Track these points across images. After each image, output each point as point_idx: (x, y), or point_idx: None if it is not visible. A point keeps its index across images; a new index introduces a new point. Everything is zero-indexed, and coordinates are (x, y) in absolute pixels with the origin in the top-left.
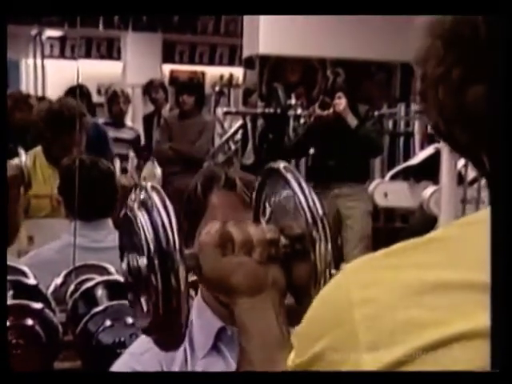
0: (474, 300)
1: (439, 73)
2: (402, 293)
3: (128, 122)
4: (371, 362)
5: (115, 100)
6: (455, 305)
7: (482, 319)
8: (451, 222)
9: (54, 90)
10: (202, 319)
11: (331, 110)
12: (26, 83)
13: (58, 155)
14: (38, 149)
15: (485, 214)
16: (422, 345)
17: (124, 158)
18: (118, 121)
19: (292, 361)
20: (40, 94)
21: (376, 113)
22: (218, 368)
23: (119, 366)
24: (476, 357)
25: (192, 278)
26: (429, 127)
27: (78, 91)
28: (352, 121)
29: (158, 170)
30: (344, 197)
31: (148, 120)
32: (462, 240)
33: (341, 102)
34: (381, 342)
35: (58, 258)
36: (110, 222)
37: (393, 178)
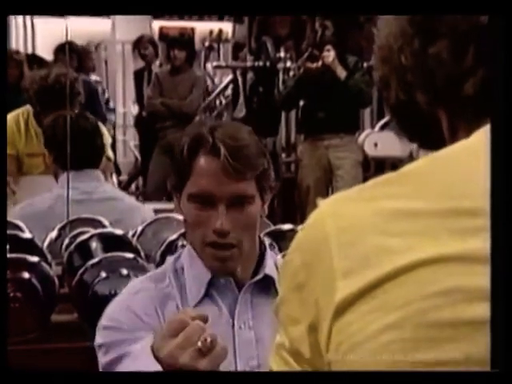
0: (442, 226)
1: (401, 43)
2: (375, 221)
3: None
4: (345, 287)
5: None
6: (424, 232)
7: (450, 244)
8: (422, 157)
9: (44, 47)
10: (193, 269)
11: (320, 63)
12: (16, 41)
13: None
14: (30, 109)
15: (456, 147)
16: (393, 269)
17: None
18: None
19: (279, 298)
20: (30, 51)
21: (365, 64)
22: (211, 315)
23: (114, 305)
24: (444, 278)
25: None
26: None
27: (67, 47)
28: (341, 73)
29: None
30: (334, 147)
31: (138, 76)
32: (433, 172)
33: (329, 55)
34: (354, 268)
35: (49, 211)
36: (99, 173)
37: (382, 127)
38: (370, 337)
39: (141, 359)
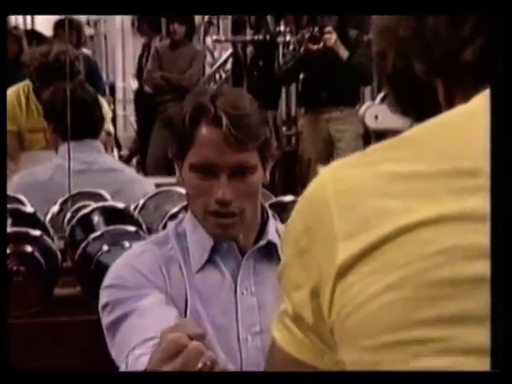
0: (442, 187)
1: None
2: (375, 184)
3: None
4: (346, 249)
5: None
6: (424, 193)
7: (449, 204)
8: (423, 122)
9: (43, 23)
10: (196, 235)
11: (321, 45)
12: (15, 16)
13: None
14: (30, 84)
15: (454, 112)
16: (393, 229)
17: None
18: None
19: (281, 264)
20: (29, 26)
21: (365, 37)
22: (214, 281)
23: (118, 265)
24: (444, 237)
25: None
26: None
27: (66, 23)
28: (343, 53)
29: None
30: (335, 120)
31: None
32: (432, 135)
33: (331, 37)
34: (355, 230)
35: (49, 181)
36: (99, 143)
37: (383, 100)
38: (371, 297)
39: (147, 316)
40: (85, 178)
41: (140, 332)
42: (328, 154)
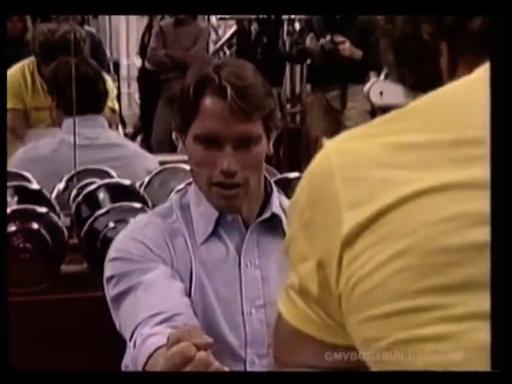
0: (445, 157)
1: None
2: (379, 155)
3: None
4: (351, 218)
5: None
6: (428, 163)
7: (453, 172)
8: (426, 94)
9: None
10: (200, 207)
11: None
12: None
13: None
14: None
15: (455, 83)
16: (398, 198)
17: None
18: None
19: (287, 237)
20: None
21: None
22: (219, 253)
23: (122, 238)
24: (448, 205)
25: None
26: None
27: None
28: (358, 55)
29: None
30: (341, 98)
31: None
32: (435, 106)
33: (344, 47)
34: (360, 201)
35: (53, 154)
36: (103, 119)
37: (387, 76)
38: (377, 267)
39: (153, 290)
40: (88, 153)
41: (146, 307)
42: (335, 131)
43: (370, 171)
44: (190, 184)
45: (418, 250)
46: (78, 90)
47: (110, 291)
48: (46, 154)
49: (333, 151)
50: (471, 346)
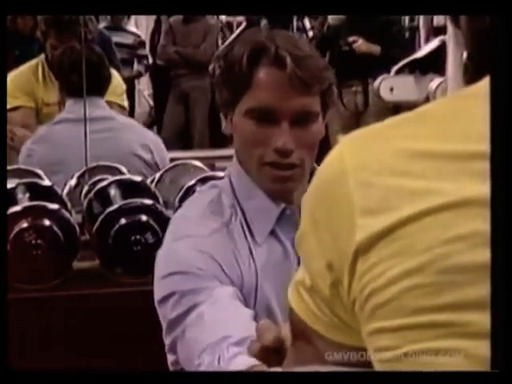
0: (462, 169)
1: None
2: (394, 162)
3: (131, 27)
4: (366, 226)
5: None
6: (445, 174)
7: (469, 187)
8: (444, 96)
9: None
10: (255, 200)
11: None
12: None
13: None
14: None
15: (477, 88)
16: (415, 211)
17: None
18: (116, 24)
19: (298, 233)
20: None
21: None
22: (276, 254)
23: (183, 251)
24: (464, 222)
25: None
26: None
27: None
28: (376, 50)
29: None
30: (360, 93)
31: (155, 24)
32: (453, 112)
33: (359, 45)
34: (374, 208)
35: (53, 129)
36: (103, 101)
37: (398, 72)
38: (392, 281)
39: (222, 310)
40: (79, 127)
41: (215, 328)
42: (355, 126)
43: (383, 177)
44: (202, 183)
45: (433, 267)
46: (80, 74)
47: (170, 311)
48: (46, 129)
49: (347, 151)
50: (483, 363)
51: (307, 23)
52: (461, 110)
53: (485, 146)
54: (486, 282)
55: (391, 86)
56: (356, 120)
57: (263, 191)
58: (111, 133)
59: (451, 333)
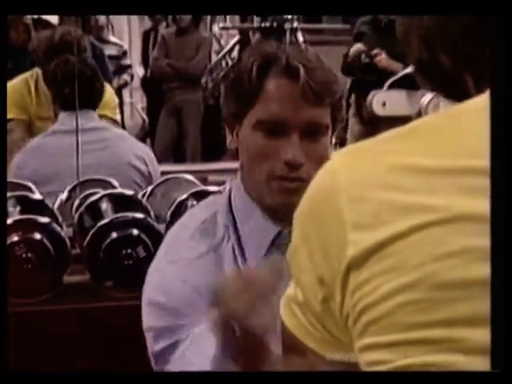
0: (454, 185)
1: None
2: (387, 177)
3: (113, 37)
4: (358, 242)
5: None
6: (436, 189)
7: (461, 203)
8: (436, 112)
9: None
10: (252, 220)
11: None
12: None
13: None
14: (39, 71)
15: (469, 104)
16: (407, 227)
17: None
18: (98, 36)
19: (290, 247)
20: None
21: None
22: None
23: (167, 277)
24: (456, 238)
25: None
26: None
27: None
28: (398, 67)
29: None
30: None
31: (146, 36)
32: (445, 128)
33: (381, 59)
34: (366, 223)
35: (45, 141)
36: (95, 114)
37: (390, 86)
38: (384, 297)
39: (203, 349)
40: (73, 138)
41: (200, 367)
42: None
43: (377, 193)
44: (194, 197)
45: (425, 284)
46: (73, 87)
47: (152, 344)
48: (38, 140)
49: (339, 167)
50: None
51: (300, 36)
52: (452, 125)
53: (476, 162)
54: (479, 298)
55: (384, 100)
56: (373, 132)
57: (267, 207)
58: (106, 143)
59: (445, 348)
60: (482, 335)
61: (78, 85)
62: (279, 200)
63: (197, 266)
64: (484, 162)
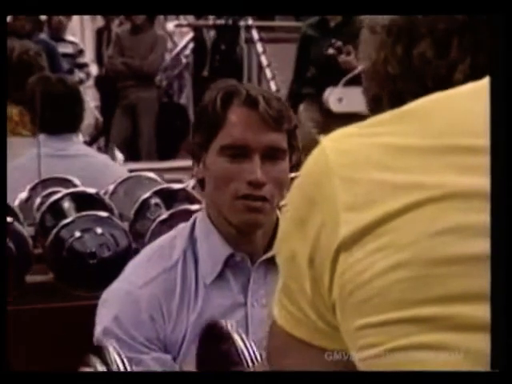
0: (445, 163)
1: (384, 54)
2: (378, 157)
3: (69, 36)
4: (350, 221)
5: None
6: (428, 168)
7: (454, 181)
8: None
9: None
10: (209, 243)
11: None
12: None
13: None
14: None
15: (460, 88)
16: (400, 206)
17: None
18: (56, 35)
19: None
20: None
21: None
22: (222, 298)
23: (120, 291)
24: (450, 215)
25: None
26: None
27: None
28: (356, 65)
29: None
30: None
31: (99, 35)
32: (435, 110)
33: (345, 60)
34: (359, 203)
35: (21, 166)
36: (75, 136)
37: (346, 83)
38: (377, 275)
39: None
40: (57, 163)
41: None
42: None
43: (368, 172)
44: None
45: (419, 260)
46: (54, 109)
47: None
48: (24, 162)
49: (330, 149)
50: (470, 356)
51: (255, 35)
52: (444, 107)
53: (467, 140)
54: (472, 275)
55: (340, 97)
56: (331, 125)
57: (233, 227)
58: (91, 171)
59: (436, 327)
60: (473, 311)
61: (56, 108)
62: (244, 218)
63: (146, 290)
64: (475, 140)
